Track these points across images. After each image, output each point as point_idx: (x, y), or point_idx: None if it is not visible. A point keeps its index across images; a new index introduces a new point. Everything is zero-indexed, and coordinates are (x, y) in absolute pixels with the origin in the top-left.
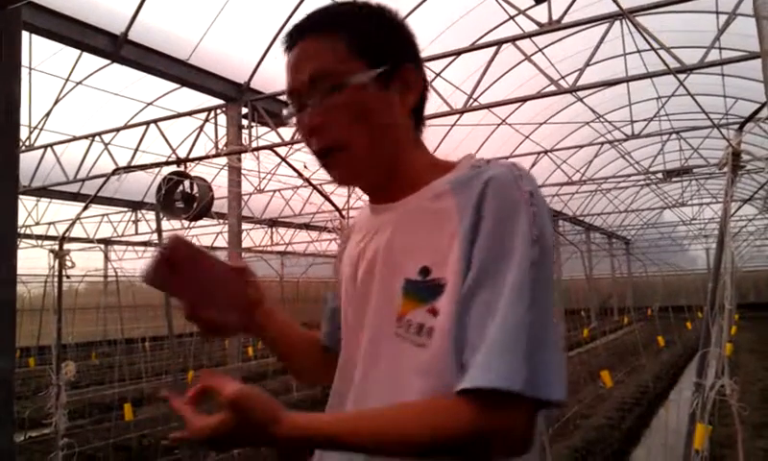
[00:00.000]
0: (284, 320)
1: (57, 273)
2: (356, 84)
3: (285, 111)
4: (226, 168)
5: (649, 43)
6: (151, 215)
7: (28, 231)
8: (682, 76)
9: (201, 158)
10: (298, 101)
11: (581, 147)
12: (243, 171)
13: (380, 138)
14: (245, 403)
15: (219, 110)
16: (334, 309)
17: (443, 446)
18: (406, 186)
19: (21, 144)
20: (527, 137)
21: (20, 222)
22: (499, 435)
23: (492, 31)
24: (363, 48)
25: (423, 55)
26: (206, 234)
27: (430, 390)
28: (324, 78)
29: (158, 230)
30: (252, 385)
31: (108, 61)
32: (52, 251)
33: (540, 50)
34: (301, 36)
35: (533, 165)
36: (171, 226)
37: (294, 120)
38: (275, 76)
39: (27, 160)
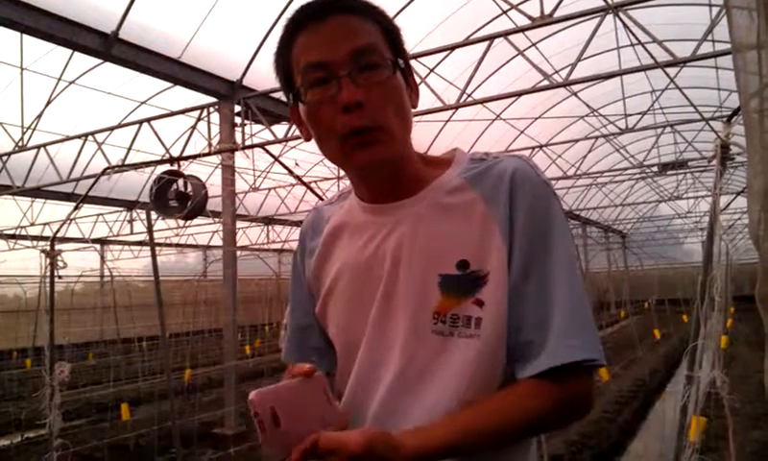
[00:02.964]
0: None
1: (48, 273)
2: (395, 71)
3: (304, 81)
4: (220, 166)
5: (637, 38)
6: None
7: (23, 232)
8: (674, 69)
9: (194, 157)
10: (327, 72)
11: (576, 141)
12: (237, 169)
13: (408, 129)
14: (375, 449)
15: (212, 108)
16: (308, 326)
17: (538, 425)
18: (409, 182)
19: (14, 145)
20: (522, 132)
21: (15, 223)
22: (580, 400)
23: (484, 26)
24: (391, 40)
25: (417, 50)
26: (201, 233)
27: (481, 376)
28: (372, 53)
29: (149, 230)
30: (368, 427)
31: (100, 61)
32: (43, 251)
33: (534, 44)
34: (337, 10)
35: None
36: (167, 224)
37: (314, 92)
38: (267, 73)
39: (20, 161)
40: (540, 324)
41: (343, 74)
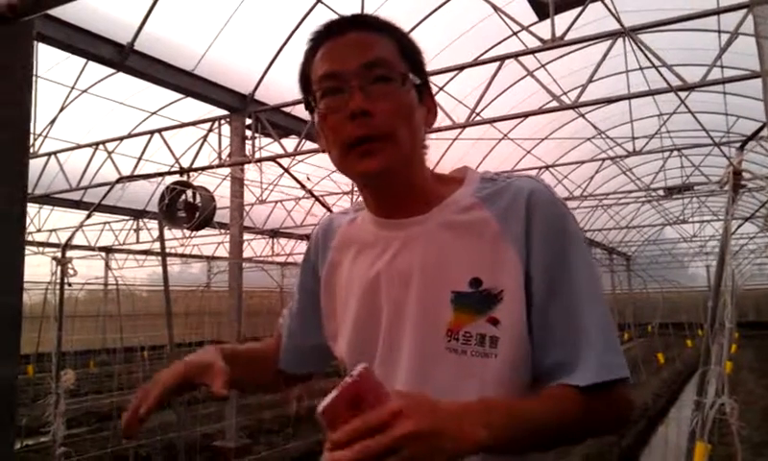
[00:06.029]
0: (233, 352)
1: (59, 280)
2: (407, 86)
3: (318, 91)
4: (228, 178)
5: (650, 61)
6: (152, 224)
7: (30, 239)
8: (683, 94)
9: (204, 168)
10: (340, 82)
11: (582, 163)
12: (245, 181)
13: (416, 142)
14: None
15: (223, 121)
16: (292, 328)
17: (582, 432)
18: (419, 199)
19: None
20: (529, 152)
21: None
22: (628, 409)
23: (495, 46)
24: (408, 58)
25: (427, 69)
26: (208, 244)
27: (501, 397)
28: (383, 66)
29: (161, 239)
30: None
31: (114, 71)
32: (54, 258)
33: (543, 66)
34: (355, 26)
35: None
36: (172, 235)
37: (326, 101)
38: (279, 87)
39: (31, 168)
40: (571, 341)
41: (354, 84)
